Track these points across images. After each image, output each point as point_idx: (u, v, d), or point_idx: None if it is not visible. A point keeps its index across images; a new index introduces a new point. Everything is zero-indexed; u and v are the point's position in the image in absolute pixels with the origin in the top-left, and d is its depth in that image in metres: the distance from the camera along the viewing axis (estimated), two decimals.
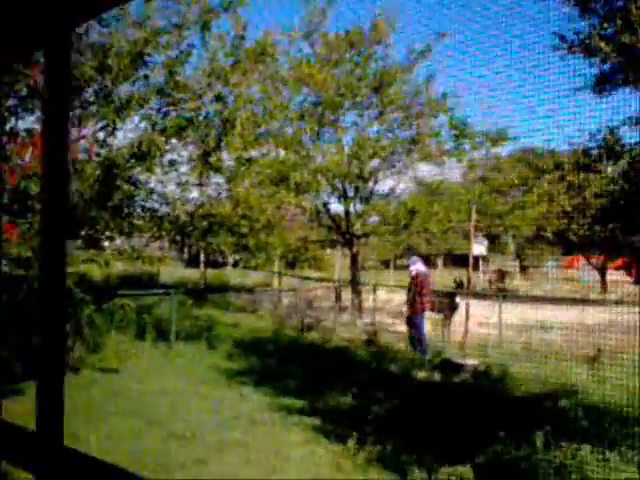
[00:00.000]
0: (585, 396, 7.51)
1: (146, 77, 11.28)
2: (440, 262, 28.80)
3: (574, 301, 13.01)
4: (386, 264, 29.36)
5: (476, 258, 24.30)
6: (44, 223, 1.99)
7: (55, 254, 1.95)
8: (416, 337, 11.45)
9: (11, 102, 10.32)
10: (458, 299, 12.99)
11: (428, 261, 30.44)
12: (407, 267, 12.54)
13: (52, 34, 1.94)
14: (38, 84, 9.50)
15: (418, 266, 12.13)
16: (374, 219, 16.79)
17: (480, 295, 15.95)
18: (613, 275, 16.73)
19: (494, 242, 24.98)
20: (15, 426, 2.13)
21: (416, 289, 11.62)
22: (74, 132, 10.83)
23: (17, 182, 8.85)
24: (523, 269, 24.84)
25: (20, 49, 2.39)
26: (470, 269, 11.49)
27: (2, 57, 2.43)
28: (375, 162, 15.83)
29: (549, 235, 14.04)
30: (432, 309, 12.00)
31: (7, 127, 10.37)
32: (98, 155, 10.97)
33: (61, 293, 1.95)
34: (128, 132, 11.82)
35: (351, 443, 6.64)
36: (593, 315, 11.13)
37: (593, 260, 17.23)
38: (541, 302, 12.78)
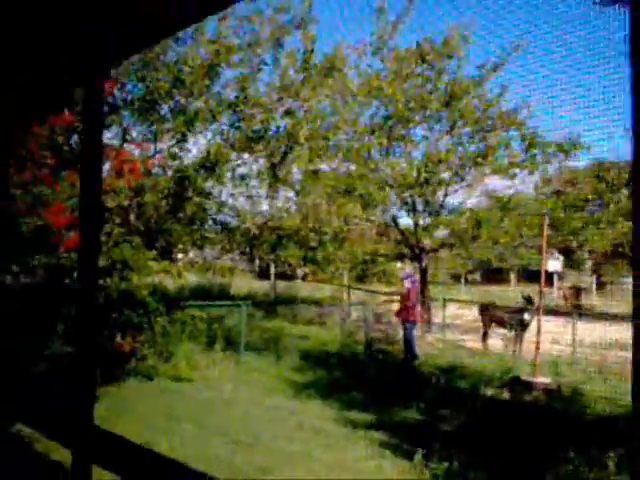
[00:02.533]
0: None
1: (219, 93, 11.61)
2: (513, 277, 28.19)
3: None
4: (456, 279, 28.98)
5: (551, 274, 23.66)
6: (81, 243, 2.18)
7: (88, 264, 2.12)
8: (410, 341, 12.22)
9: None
10: (527, 315, 12.67)
11: (499, 276, 29.85)
12: (403, 279, 13.13)
13: (89, 74, 2.10)
14: (115, 99, 9.95)
15: (411, 280, 12.82)
16: (443, 233, 16.62)
17: (554, 312, 15.49)
18: None
19: (570, 258, 24.26)
20: (58, 409, 2.33)
21: (407, 301, 12.35)
22: (150, 147, 11.25)
23: None
24: (600, 286, 24.01)
25: (61, 87, 2.60)
26: (542, 285, 11.19)
27: (45, 95, 2.64)
28: (445, 175, 15.69)
29: (627, 251, 13.54)
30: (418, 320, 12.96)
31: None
32: (170, 168, 11.33)
33: (92, 295, 2.11)
34: (202, 147, 12.17)
35: (417, 459, 6.57)
36: None
37: None
38: (618, 320, 12.30)
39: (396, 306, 13.99)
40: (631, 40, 1.06)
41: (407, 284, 12.66)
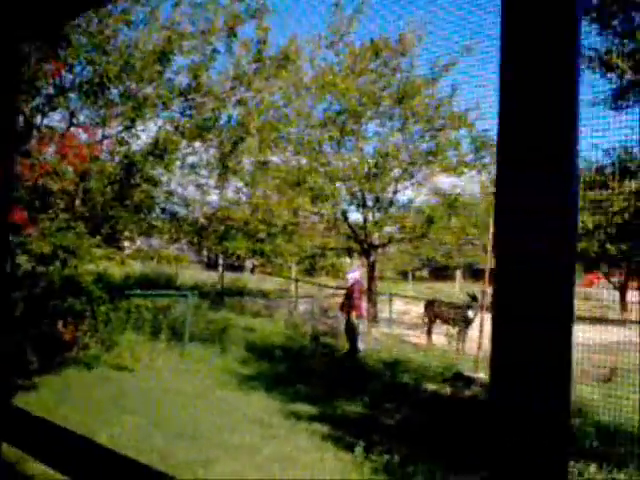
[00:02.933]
0: (597, 415, 7.44)
1: (170, 80, 11.44)
2: (459, 275, 28.67)
3: (592, 320, 12.88)
4: (404, 275, 29.30)
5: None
6: None
7: None
8: (353, 335, 12.38)
9: (37, 100, 10.53)
10: (471, 313, 12.93)
11: (446, 273, 30.33)
12: (347, 275, 13.51)
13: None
14: (63, 81, 9.70)
15: (355, 275, 13.03)
16: (392, 229, 16.79)
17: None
18: (634, 295, 16.46)
19: None
20: None
21: (353, 295, 12.55)
22: (98, 132, 11.02)
23: (37, 178, 9.01)
24: None
25: None
26: (486, 283, 11.43)
27: None
28: (395, 172, 15.84)
29: None
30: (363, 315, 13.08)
31: (34, 125, 10.58)
32: (117, 153, 11.12)
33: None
34: (152, 134, 11.98)
35: (359, 451, 6.64)
36: (610, 334, 11.01)
37: (613, 279, 17.00)
38: None
39: (340, 300, 14.20)
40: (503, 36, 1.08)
41: (351, 279, 12.86)
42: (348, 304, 12.68)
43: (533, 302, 0.99)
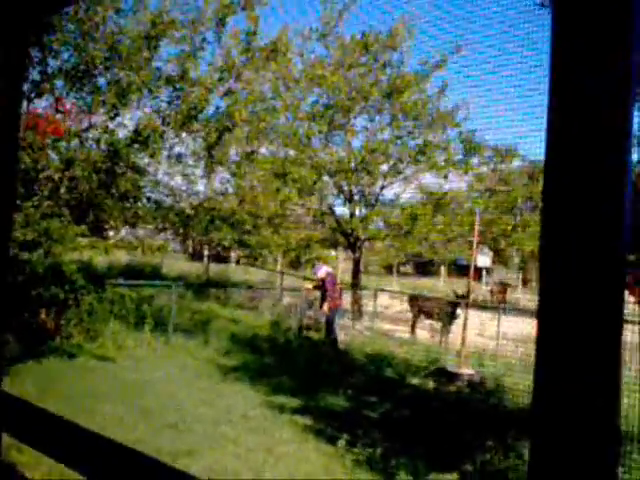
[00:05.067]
0: None
1: (158, 69, 11.35)
2: (443, 270, 28.81)
3: None
4: (389, 270, 29.41)
5: (480, 269, 24.29)
6: None
7: None
8: (329, 329, 12.92)
9: (25, 87, 10.42)
10: (459, 310, 12.99)
11: (431, 269, 30.46)
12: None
13: (9, 33, 1.99)
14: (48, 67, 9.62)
15: (324, 270, 13.43)
16: (379, 224, 16.81)
17: (481, 306, 15.93)
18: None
19: (499, 254, 24.95)
20: None
21: (326, 289, 13.02)
22: (84, 119, 10.92)
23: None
24: (525, 282, 24.83)
25: None
26: (472, 279, 11.49)
27: None
28: (383, 167, 15.84)
29: None
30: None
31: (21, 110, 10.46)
32: (104, 141, 11.03)
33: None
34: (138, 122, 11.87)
35: (341, 444, 6.67)
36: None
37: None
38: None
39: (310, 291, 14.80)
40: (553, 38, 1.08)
41: (322, 273, 13.28)
42: (323, 297, 13.12)
43: (581, 297, 0.97)
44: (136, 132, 10.92)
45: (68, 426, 1.92)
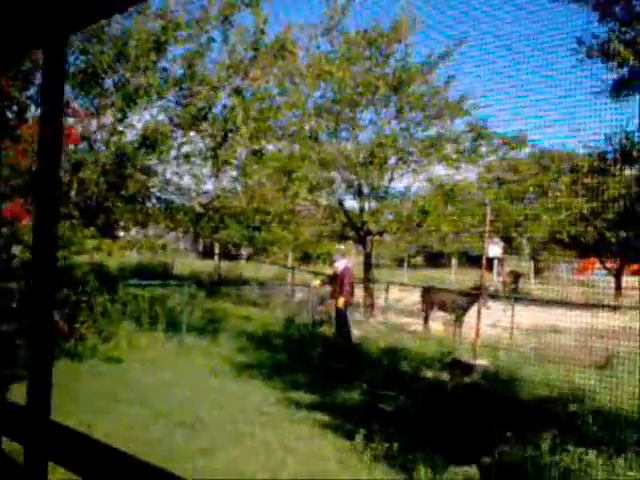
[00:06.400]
0: (594, 401, 7.46)
1: (165, 69, 11.34)
2: (454, 262, 28.69)
3: (587, 305, 12.94)
4: (400, 263, 29.31)
5: (492, 259, 24.17)
6: (37, 212, 2.05)
7: (46, 240, 2.00)
8: (342, 324, 12.57)
9: (32, 91, 10.46)
10: (469, 300, 12.90)
11: (441, 260, 30.36)
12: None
13: (51, 36, 1.99)
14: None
15: (343, 263, 13.04)
16: (388, 217, 16.73)
17: (494, 296, 15.85)
18: (630, 280, 16.48)
19: (510, 244, 24.81)
20: (9, 402, 2.20)
21: (343, 283, 12.67)
22: (92, 122, 10.93)
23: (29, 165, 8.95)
24: (538, 271, 24.69)
25: (21, 48, 2.46)
26: (484, 270, 11.42)
27: (4, 54, 2.49)
28: (392, 160, 15.78)
29: (564, 238, 13.92)
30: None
31: (29, 115, 10.51)
32: (113, 144, 11.03)
33: (51, 278, 2.00)
34: (146, 124, 11.87)
35: (358, 439, 6.65)
36: (606, 320, 11.03)
37: (608, 264, 17.03)
38: (554, 305, 12.69)
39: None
40: None
41: (340, 267, 12.92)
42: (337, 291, 12.77)
43: None
44: (144, 137, 10.92)
45: (73, 434, 1.91)
